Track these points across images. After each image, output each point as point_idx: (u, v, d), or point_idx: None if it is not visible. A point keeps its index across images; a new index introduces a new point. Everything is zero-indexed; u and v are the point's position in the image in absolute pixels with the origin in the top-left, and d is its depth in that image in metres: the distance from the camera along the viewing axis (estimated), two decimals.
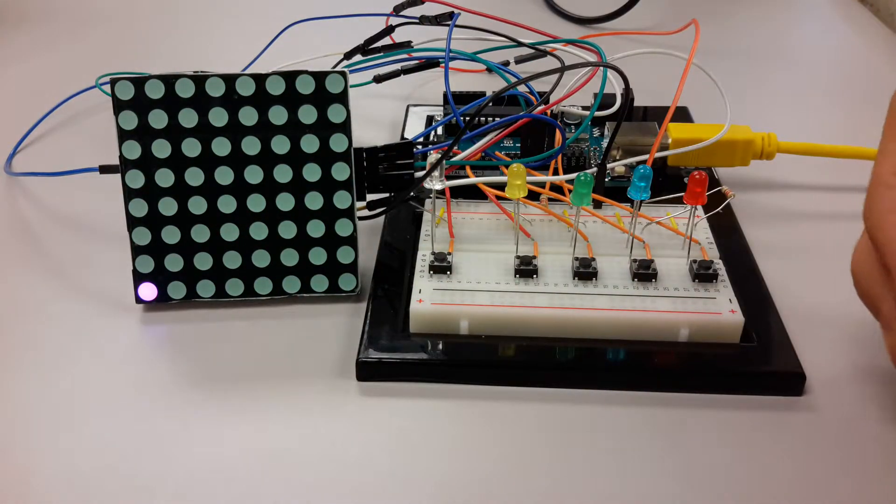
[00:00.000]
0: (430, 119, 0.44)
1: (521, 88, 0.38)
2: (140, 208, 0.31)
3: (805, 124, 0.47)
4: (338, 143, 0.31)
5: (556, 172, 0.36)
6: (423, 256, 0.32)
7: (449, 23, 0.43)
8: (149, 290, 0.32)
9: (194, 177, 0.31)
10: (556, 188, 0.35)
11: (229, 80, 0.30)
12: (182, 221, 0.31)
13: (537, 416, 0.28)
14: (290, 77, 0.30)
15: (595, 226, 0.34)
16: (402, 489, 0.26)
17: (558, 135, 0.36)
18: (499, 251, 0.32)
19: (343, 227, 0.32)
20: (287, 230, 0.32)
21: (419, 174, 0.33)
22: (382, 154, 0.33)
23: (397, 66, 0.44)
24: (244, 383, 0.29)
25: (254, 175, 0.31)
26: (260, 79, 0.30)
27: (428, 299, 0.30)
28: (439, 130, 0.41)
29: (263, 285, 0.32)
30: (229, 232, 0.32)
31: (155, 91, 0.30)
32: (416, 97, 0.49)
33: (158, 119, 0.30)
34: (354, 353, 0.30)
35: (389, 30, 0.46)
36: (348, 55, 0.47)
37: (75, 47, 0.57)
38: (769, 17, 0.62)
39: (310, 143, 0.31)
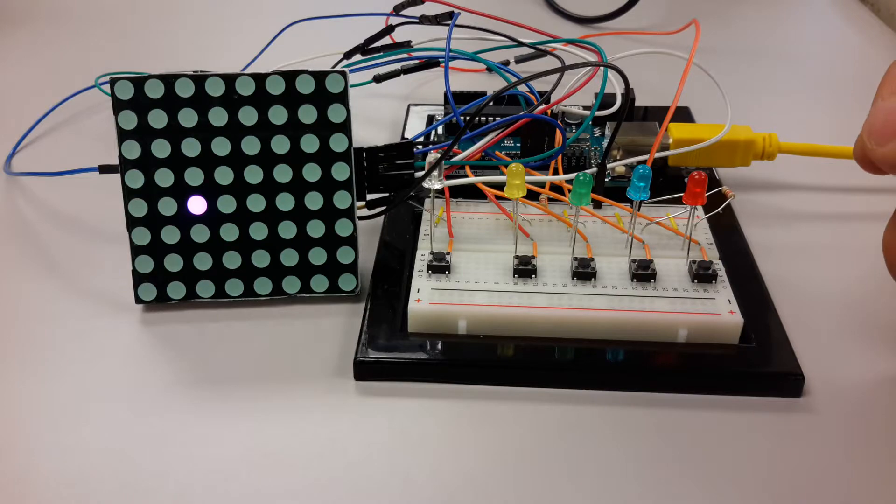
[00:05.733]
0: (430, 118, 0.44)
1: (522, 88, 0.38)
2: (139, 208, 0.31)
3: (806, 125, 0.47)
4: (338, 142, 0.31)
5: (556, 172, 0.36)
6: (422, 256, 0.32)
7: (449, 22, 0.43)
8: (148, 291, 0.32)
9: (194, 177, 0.31)
10: (555, 188, 0.35)
11: (229, 79, 0.30)
12: (181, 221, 0.31)
13: (535, 417, 0.28)
14: (290, 77, 0.30)
15: (594, 226, 0.34)
16: (400, 489, 0.26)
17: (559, 135, 0.36)
18: (498, 251, 0.32)
19: (343, 228, 0.32)
20: (287, 230, 0.32)
21: (419, 174, 0.33)
22: (382, 154, 0.33)
23: (397, 66, 0.44)
24: (243, 383, 0.29)
25: (254, 175, 0.31)
26: (260, 78, 0.30)
27: (426, 299, 0.30)
28: (439, 130, 0.41)
29: (263, 285, 0.32)
30: (229, 232, 0.32)
31: (154, 91, 0.30)
32: (416, 97, 0.48)
33: (158, 119, 0.30)
34: (353, 353, 0.30)
35: (389, 29, 0.46)
36: (348, 55, 0.47)
37: (75, 47, 0.57)
38: (770, 17, 0.62)
39: (310, 143, 0.31)
